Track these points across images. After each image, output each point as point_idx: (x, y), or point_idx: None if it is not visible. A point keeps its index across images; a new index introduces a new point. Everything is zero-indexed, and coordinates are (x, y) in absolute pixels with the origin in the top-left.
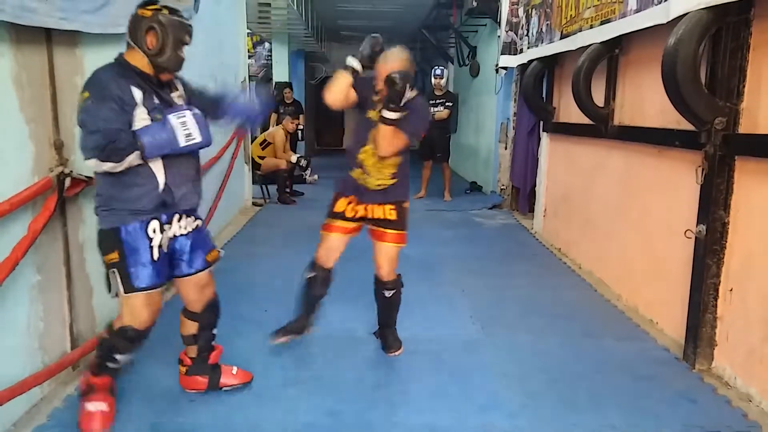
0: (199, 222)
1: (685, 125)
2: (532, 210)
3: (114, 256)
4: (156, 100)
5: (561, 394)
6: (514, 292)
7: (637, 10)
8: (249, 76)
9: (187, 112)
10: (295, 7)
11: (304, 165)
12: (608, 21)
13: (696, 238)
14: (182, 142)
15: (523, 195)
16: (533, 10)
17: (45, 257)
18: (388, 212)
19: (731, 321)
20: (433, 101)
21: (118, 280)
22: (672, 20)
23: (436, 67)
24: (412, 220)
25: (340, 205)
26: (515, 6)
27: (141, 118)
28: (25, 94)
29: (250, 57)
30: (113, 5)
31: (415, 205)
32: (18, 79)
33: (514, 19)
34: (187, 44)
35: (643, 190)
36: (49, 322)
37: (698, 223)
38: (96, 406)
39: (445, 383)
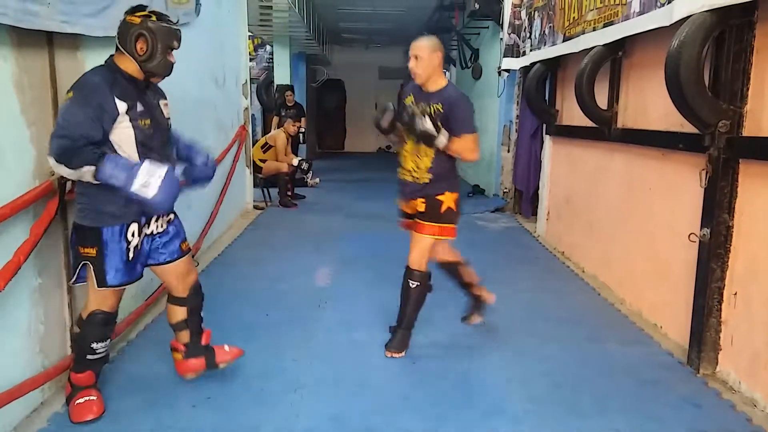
0: (171, 216)
1: (689, 128)
2: (535, 213)
3: (91, 251)
4: (140, 108)
5: (565, 399)
6: (517, 296)
7: (641, 13)
8: (250, 78)
9: (164, 171)
10: (297, 10)
11: (305, 168)
12: (611, 23)
13: (700, 241)
14: (134, 187)
15: (526, 198)
16: (536, 12)
17: (46, 261)
18: (420, 205)
19: (735, 325)
20: None
21: (92, 274)
22: (675, 22)
23: None
24: None
25: (401, 203)
26: (517, 8)
27: (124, 127)
28: (26, 97)
29: (251, 60)
30: (115, 8)
31: None
32: (19, 82)
33: (517, 22)
34: (175, 49)
35: (647, 194)
36: (49, 326)
37: (702, 226)
38: (84, 399)
39: (448, 388)
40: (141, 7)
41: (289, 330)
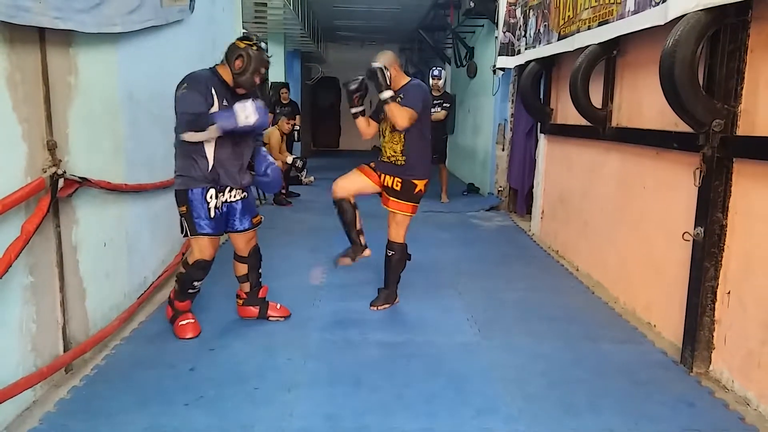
0: (245, 194)
1: (683, 127)
2: (529, 212)
3: (183, 209)
4: (225, 103)
5: (559, 398)
6: (511, 295)
7: (635, 12)
8: None
9: (249, 101)
10: (292, 7)
11: (300, 166)
12: (606, 22)
13: (694, 240)
14: (241, 122)
15: (520, 197)
16: (531, 10)
17: (38, 259)
18: (395, 183)
19: (729, 324)
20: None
21: (186, 226)
22: (670, 21)
23: (434, 68)
24: None
25: (372, 165)
26: (513, 7)
27: (212, 112)
28: (18, 93)
29: None
30: (107, 5)
31: None
32: (11, 78)
33: (512, 20)
34: (263, 74)
35: (641, 193)
36: (41, 325)
37: (696, 225)
38: (185, 321)
39: (443, 387)
40: (248, 37)
41: (283, 329)
